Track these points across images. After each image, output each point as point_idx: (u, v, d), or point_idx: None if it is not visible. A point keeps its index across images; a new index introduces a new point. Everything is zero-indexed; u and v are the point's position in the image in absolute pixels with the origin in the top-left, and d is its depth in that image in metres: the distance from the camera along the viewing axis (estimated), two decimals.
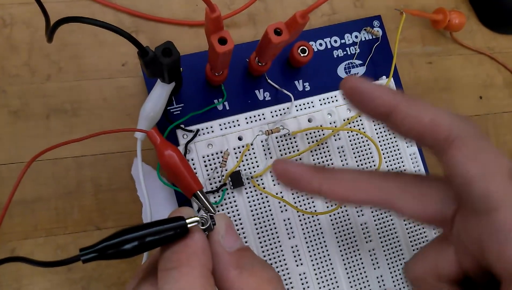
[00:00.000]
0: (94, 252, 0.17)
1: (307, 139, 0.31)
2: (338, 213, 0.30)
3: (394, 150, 0.32)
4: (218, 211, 0.29)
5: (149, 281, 0.18)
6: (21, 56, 0.31)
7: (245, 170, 0.29)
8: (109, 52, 0.32)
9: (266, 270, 0.19)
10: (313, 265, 0.30)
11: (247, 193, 0.29)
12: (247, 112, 0.30)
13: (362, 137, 0.31)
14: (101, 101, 0.31)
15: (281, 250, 0.29)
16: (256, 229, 0.29)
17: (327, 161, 0.31)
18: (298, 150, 0.30)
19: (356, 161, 0.31)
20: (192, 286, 0.16)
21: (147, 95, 0.28)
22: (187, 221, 0.18)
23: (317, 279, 0.29)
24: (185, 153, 0.29)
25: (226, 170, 0.29)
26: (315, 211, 0.30)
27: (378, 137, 0.32)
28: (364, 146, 0.31)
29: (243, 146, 0.30)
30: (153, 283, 0.18)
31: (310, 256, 0.30)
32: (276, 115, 0.31)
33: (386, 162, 0.32)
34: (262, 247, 0.29)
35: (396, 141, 0.32)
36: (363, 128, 0.32)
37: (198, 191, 0.22)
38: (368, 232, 0.31)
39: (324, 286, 0.29)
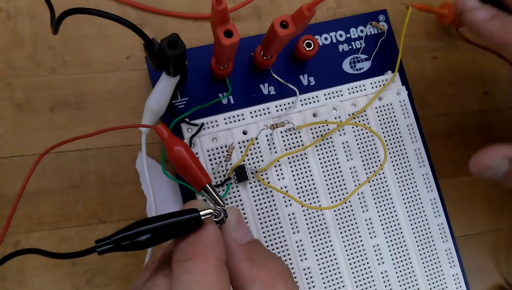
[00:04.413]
0: (110, 243, 0.17)
1: (312, 133, 0.30)
2: (343, 208, 0.30)
3: (399, 145, 0.32)
4: None
5: (162, 272, 0.18)
6: (25, 48, 0.30)
7: (249, 164, 0.29)
8: (114, 45, 0.32)
9: (277, 262, 0.20)
10: (318, 259, 0.29)
11: (251, 187, 0.29)
12: (252, 106, 0.30)
13: (367, 132, 0.31)
14: (106, 94, 0.31)
15: (286, 245, 0.29)
16: (261, 223, 0.29)
17: (331, 156, 0.31)
18: (303, 145, 0.30)
19: (361, 156, 0.31)
20: (207, 277, 0.16)
21: (152, 88, 0.28)
22: (201, 213, 0.18)
23: (322, 273, 0.29)
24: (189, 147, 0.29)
25: (230, 164, 0.29)
26: (320, 206, 0.30)
27: (383, 132, 0.32)
28: (369, 141, 0.31)
29: (247, 140, 0.29)
30: (167, 275, 0.18)
31: (315, 251, 0.29)
32: (281, 110, 0.30)
33: (391, 157, 0.32)
34: (266, 241, 0.29)
35: (401, 136, 0.32)
36: (368, 123, 0.32)
37: (207, 185, 0.22)
38: (373, 227, 0.31)
39: (328, 281, 0.29)
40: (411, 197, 0.32)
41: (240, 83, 0.31)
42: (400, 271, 0.31)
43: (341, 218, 0.30)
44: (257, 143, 0.30)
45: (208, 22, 0.33)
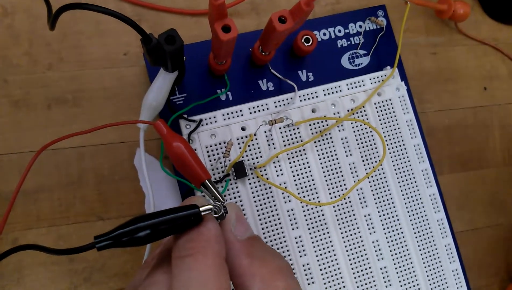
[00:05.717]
0: (109, 239, 0.17)
1: (311, 129, 0.30)
2: (342, 204, 0.30)
3: (398, 141, 0.32)
4: None
5: (162, 269, 0.18)
6: (22, 45, 0.30)
7: (248, 160, 0.29)
8: (111, 41, 0.31)
9: (277, 258, 0.19)
10: (317, 255, 0.29)
11: (250, 183, 0.29)
12: (250, 102, 0.30)
13: (366, 128, 0.31)
14: (103, 91, 0.31)
15: (285, 241, 0.29)
16: (260, 219, 0.29)
17: (330, 152, 0.30)
18: (301, 141, 0.30)
19: (360, 152, 0.31)
20: (207, 274, 0.16)
21: (150, 85, 0.27)
22: (201, 209, 0.18)
23: (321, 269, 0.29)
24: None
25: (229, 160, 0.29)
26: (319, 201, 0.30)
27: (382, 128, 0.32)
28: (368, 137, 0.31)
29: (246, 137, 0.29)
30: (167, 271, 0.18)
31: (314, 247, 0.29)
32: (280, 105, 0.30)
33: (390, 153, 0.32)
34: (265, 237, 0.29)
35: (400, 132, 0.32)
36: (367, 119, 0.31)
37: (206, 181, 0.22)
38: (372, 223, 0.30)
39: (327, 277, 0.29)
40: (410, 193, 0.32)
41: (238, 79, 0.31)
42: (400, 267, 0.31)
43: (340, 214, 0.30)
44: (256, 139, 0.29)
45: (205, 18, 0.33)
